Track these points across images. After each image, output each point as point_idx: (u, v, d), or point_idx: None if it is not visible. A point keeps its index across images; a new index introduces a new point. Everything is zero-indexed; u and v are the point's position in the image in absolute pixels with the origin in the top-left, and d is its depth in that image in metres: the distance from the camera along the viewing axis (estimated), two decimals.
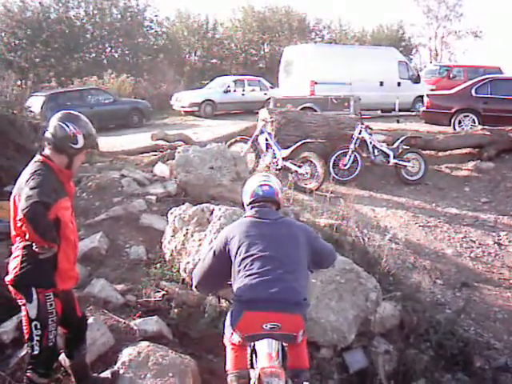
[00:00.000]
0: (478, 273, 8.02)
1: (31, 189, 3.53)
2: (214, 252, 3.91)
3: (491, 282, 7.79)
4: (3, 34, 33.97)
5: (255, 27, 42.61)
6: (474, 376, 5.67)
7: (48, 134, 3.88)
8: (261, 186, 4.10)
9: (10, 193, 3.88)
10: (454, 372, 5.62)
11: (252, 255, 3.69)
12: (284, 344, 3.82)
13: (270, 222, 3.93)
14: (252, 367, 3.79)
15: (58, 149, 3.86)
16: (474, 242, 8.99)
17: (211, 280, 4.03)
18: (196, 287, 4.15)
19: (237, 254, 3.75)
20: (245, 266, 3.68)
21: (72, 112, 4.05)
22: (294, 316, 3.62)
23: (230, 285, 4.04)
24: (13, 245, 3.91)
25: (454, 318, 6.27)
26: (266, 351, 3.65)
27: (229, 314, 3.81)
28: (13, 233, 3.85)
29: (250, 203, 4.10)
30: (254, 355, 3.80)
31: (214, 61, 41.65)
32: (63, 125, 3.85)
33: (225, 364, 3.85)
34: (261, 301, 3.56)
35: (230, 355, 3.80)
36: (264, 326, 3.53)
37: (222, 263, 3.87)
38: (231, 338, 3.72)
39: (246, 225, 3.92)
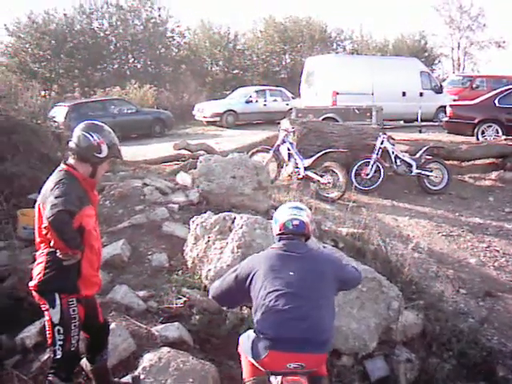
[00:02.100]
0: (501, 282, 7.93)
1: (56, 197, 3.58)
2: (237, 276, 3.89)
3: None
4: (28, 46, 34.33)
5: (276, 38, 42.64)
6: None
7: (72, 144, 3.93)
8: (291, 220, 4.01)
9: (35, 201, 3.94)
10: (476, 381, 5.56)
11: (277, 290, 3.62)
12: None
13: (297, 255, 3.85)
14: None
15: (82, 158, 3.90)
16: (498, 251, 8.89)
17: (227, 299, 4.06)
18: (211, 298, 4.20)
19: (261, 287, 3.69)
20: (270, 301, 3.60)
21: (95, 122, 4.10)
22: (320, 356, 3.63)
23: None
24: (37, 251, 3.95)
25: (477, 327, 6.21)
26: None
27: (248, 338, 3.79)
28: (37, 239, 3.90)
29: (279, 235, 4.04)
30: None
31: (236, 71, 41.72)
32: (87, 135, 3.90)
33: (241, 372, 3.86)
34: (287, 341, 3.51)
35: (245, 365, 3.83)
36: (288, 366, 3.50)
37: (241, 290, 3.86)
38: (249, 358, 3.72)
39: (272, 258, 3.85)
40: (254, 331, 3.74)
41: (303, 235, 4.03)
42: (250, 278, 3.80)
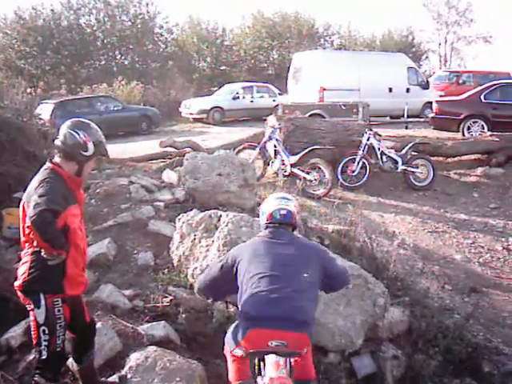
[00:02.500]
0: (486, 278, 7.99)
1: (40, 196, 3.56)
2: (222, 266, 3.95)
3: (500, 287, 7.77)
4: (14, 42, 34.14)
5: (264, 33, 42.62)
6: (483, 381, 5.67)
7: (58, 142, 3.91)
8: (279, 210, 4.07)
9: (20, 199, 3.92)
10: (462, 377, 5.60)
11: (260, 273, 3.69)
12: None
13: (282, 242, 3.92)
14: (260, 374, 3.80)
15: (68, 156, 3.88)
16: (483, 247, 8.96)
17: (213, 290, 4.08)
18: (197, 292, 4.24)
19: (245, 272, 3.76)
20: (252, 284, 3.67)
21: (82, 120, 4.08)
22: (300, 335, 3.63)
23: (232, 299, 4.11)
24: (22, 251, 3.93)
25: (462, 323, 6.26)
26: (274, 359, 3.66)
27: (232, 329, 3.85)
28: (22, 239, 3.88)
29: (266, 224, 4.10)
30: (261, 363, 3.81)
31: (223, 68, 41.67)
32: (73, 132, 3.88)
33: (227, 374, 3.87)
34: (267, 318, 3.55)
35: (232, 367, 3.82)
36: (269, 344, 3.53)
37: (226, 279, 3.91)
38: (233, 351, 3.74)
39: (256, 245, 3.94)
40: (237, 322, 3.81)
41: (290, 225, 4.10)
42: (235, 266, 3.87)
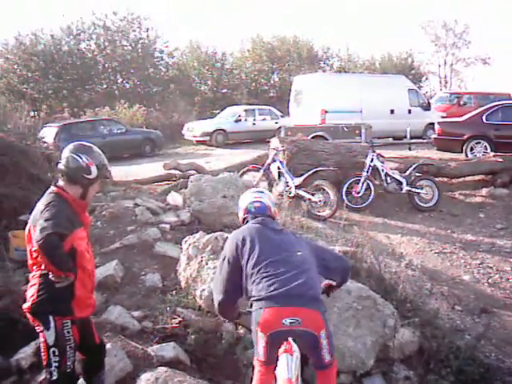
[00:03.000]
0: (496, 299, 7.91)
1: (46, 220, 3.56)
2: (229, 260, 3.97)
3: (511, 307, 7.68)
4: (16, 67, 34.36)
5: (264, 57, 42.96)
6: None
7: (61, 166, 3.91)
8: (252, 202, 4.28)
9: (26, 222, 3.92)
10: None
11: (265, 259, 3.79)
12: (312, 369, 3.90)
13: (275, 229, 4.09)
14: None
15: (71, 180, 3.89)
16: (492, 268, 8.88)
17: (232, 289, 4.01)
18: (220, 305, 4.10)
19: (249, 256, 3.84)
20: (259, 270, 3.77)
21: (84, 143, 4.10)
22: (312, 311, 3.69)
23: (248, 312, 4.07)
24: (30, 273, 3.92)
25: (474, 343, 6.17)
26: (286, 377, 3.63)
27: (251, 317, 3.82)
28: (29, 261, 3.88)
29: (244, 219, 4.29)
30: (275, 381, 3.78)
31: (225, 90, 41.93)
32: (76, 156, 3.88)
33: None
34: (278, 296, 3.63)
35: (256, 377, 3.79)
36: (284, 322, 3.58)
37: (237, 269, 3.93)
38: (258, 342, 3.71)
39: (254, 229, 4.04)
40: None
41: (268, 216, 4.24)
42: (239, 250, 3.93)
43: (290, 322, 3.56)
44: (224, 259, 4.02)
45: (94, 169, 3.91)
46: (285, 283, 3.67)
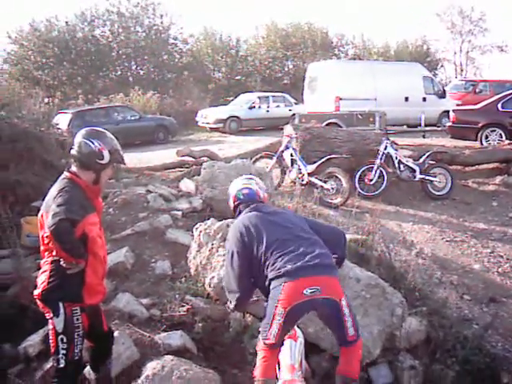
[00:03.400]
0: (506, 288, 7.88)
1: (58, 206, 3.58)
2: (238, 253, 3.97)
3: None
4: (30, 53, 34.41)
5: (278, 44, 42.69)
6: None
7: (74, 151, 3.92)
8: (241, 189, 4.36)
9: (39, 208, 3.95)
10: None
11: (276, 240, 3.86)
12: (337, 347, 3.97)
13: (269, 212, 4.17)
14: (276, 378, 3.82)
15: (84, 165, 3.90)
16: (502, 256, 8.84)
17: (247, 283, 4.03)
18: (238, 302, 4.09)
19: (259, 243, 3.88)
20: (272, 252, 3.81)
21: (96, 128, 4.10)
22: (331, 278, 3.78)
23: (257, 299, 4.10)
24: (41, 259, 3.95)
25: (481, 333, 6.17)
26: (289, 363, 3.67)
27: (270, 296, 3.83)
28: (41, 248, 3.90)
29: (235, 207, 4.37)
30: (278, 365, 3.81)
31: (239, 77, 41.77)
32: (88, 141, 3.89)
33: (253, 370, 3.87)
34: (297, 269, 3.69)
35: (260, 361, 3.80)
36: (305, 292, 3.62)
37: (247, 259, 3.95)
38: (274, 321, 3.70)
39: (253, 217, 4.09)
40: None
41: (258, 202, 4.31)
42: (245, 239, 3.95)
43: (311, 292, 3.62)
44: (232, 254, 4.01)
45: (106, 154, 3.92)
46: (300, 257, 3.74)
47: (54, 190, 3.81)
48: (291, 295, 3.64)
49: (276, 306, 3.67)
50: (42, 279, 3.85)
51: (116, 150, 4.02)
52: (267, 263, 3.80)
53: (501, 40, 52.76)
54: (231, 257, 4.01)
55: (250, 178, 4.56)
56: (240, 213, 4.28)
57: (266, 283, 3.82)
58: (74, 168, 3.95)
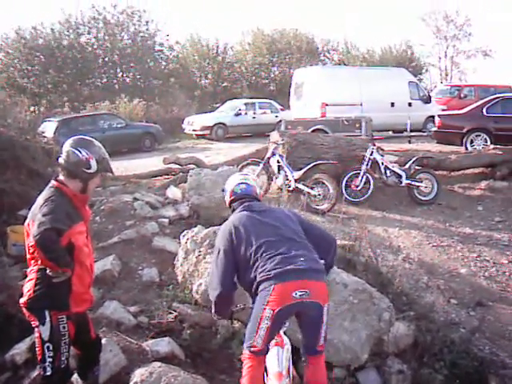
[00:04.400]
0: (492, 292, 7.93)
1: (44, 215, 3.58)
2: (224, 251, 3.96)
3: (506, 301, 7.70)
4: (16, 61, 34.21)
5: (265, 50, 42.73)
6: None
7: (61, 160, 3.92)
8: (238, 184, 4.36)
9: (25, 217, 3.93)
10: None
11: (266, 241, 3.86)
12: (303, 358, 3.98)
13: (263, 211, 4.15)
14: None
15: (71, 174, 3.90)
16: (488, 261, 8.89)
17: (229, 281, 3.97)
18: (218, 299, 4.00)
19: (248, 244, 3.88)
20: (262, 253, 3.82)
21: (84, 137, 4.09)
22: (320, 283, 3.81)
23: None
24: (27, 268, 3.94)
25: (468, 337, 6.21)
26: (277, 370, 3.67)
27: (257, 299, 3.82)
28: (27, 256, 3.89)
29: (231, 201, 4.35)
30: (265, 373, 3.81)
31: (225, 84, 41.78)
32: (75, 151, 3.89)
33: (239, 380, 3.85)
34: (288, 272, 3.70)
35: (246, 371, 3.78)
36: (294, 295, 3.65)
37: (233, 260, 3.95)
38: (261, 325, 3.70)
39: (244, 217, 4.09)
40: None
41: (254, 198, 4.33)
42: (233, 238, 3.95)
43: (300, 295, 3.65)
44: (219, 252, 4.00)
45: (93, 163, 3.91)
46: (290, 260, 3.75)
47: (40, 199, 3.81)
48: (281, 297, 3.65)
49: (264, 309, 3.67)
50: (27, 287, 3.84)
51: (103, 158, 4.02)
52: (256, 264, 3.81)
53: (485, 45, 53.12)
54: (217, 254, 4.01)
55: (246, 174, 4.61)
56: (234, 210, 4.29)
57: (254, 286, 3.82)
58: (61, 177, 3.95)
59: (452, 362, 5.63)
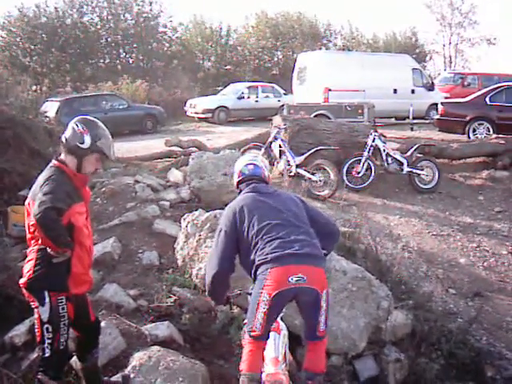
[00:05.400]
0: (490, 282, 7.95)
1: (44, 194, 3.56)
2: (226, 231, 3.95)
3: (504, 291, 7.72)
4: (18, 39, 34.07)
5: (268, 33, 42.57)
6: None
7: (62, 137, 3.91)
8: (246, 165, 4.33)
9: (25, 197, 3.92)
10: (465, 381, 5.59)
11: (267, 224, 3.84)
12: (303, 342, 4.01)
13: (269, 194, 4.13)
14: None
15: (68, 150, 3.89)
16: (488, 251, 8.90)
17: (227, 262, 3.94)
18: (214, 279, 3.94)
19: (250, 224, 3.87)
20: (263, 236, 3.80)
21: (88, 117, 4.07)
22: (317, 269, 3.78)
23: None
24: (27, 248, 3.93)
25: (465, 327, 6.23)
26: (273, 355, 3.68)
27: (256, 282, 3.83)
28: (28, 236, 3.87)
29: (239, 182, 4.32)
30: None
31: (228, 67, 41.59)
32: (74, 125, 3.89)
33: (239, 364, 3.86)
34: (285, 256, 3.68)
35: (246, 355, 3.80)
36: (290, 280, 3.63)
37: (233, 241, 3.94)
38: (258, 309, 3.70)
39: (249, 198, 4.07)
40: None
41: (261, 180, 4.30)
42: (236, 219, 3.94)
43: (296, 280, 3.62)
44: (220, 231, 3.99)
45: (87, 138, 3.86)
46: (288, 244, 3.73)
47: (41, 178, 3.79)
48: (277, 281, 3.64)
49: (261, 293, 3.67)
50: (27, 268, 3.82)
51: (100, 138, 3.93)
52: (256, 247, 3.80)
53: (489, 33, 52.89)
54: (219, 234, 4.01)
55: (256, 156, 4.58)
56: (240, 192, 4.28)
57: (253, 268, 3.83)
58: (62, 156, 3.93)
59: (449, 352, 5.67)
